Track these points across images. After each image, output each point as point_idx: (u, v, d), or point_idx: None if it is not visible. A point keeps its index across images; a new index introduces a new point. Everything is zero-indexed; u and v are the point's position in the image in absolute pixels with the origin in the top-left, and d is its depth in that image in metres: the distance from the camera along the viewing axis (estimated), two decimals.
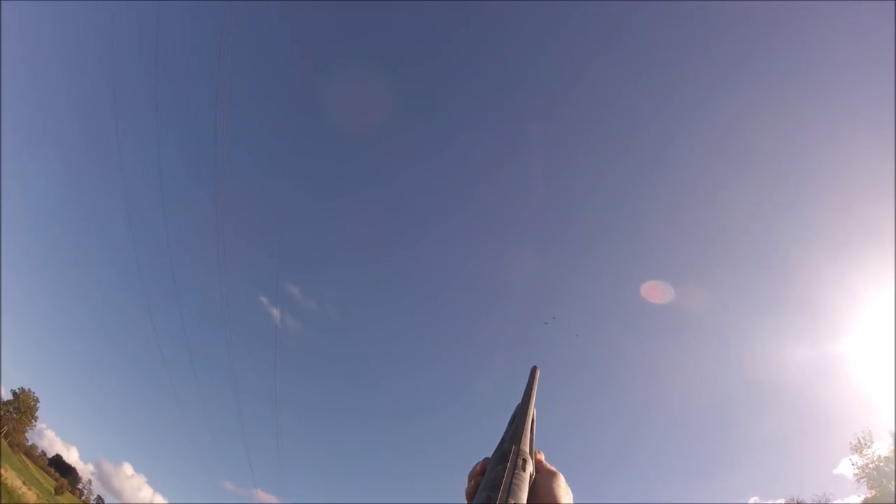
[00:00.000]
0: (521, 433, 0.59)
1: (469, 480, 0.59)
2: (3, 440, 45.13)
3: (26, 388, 51.60)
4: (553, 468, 0.60)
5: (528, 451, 0.57)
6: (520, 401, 0.67)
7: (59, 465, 58.66)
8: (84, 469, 64.03)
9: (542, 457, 0.62)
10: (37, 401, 52.00)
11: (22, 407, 50.14)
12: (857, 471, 23.73)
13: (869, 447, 23.76)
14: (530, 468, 0.54)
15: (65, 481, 53.54)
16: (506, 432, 0.62)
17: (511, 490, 0.48)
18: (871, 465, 23.35)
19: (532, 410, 0.66)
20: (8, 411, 48.93)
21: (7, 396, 50.04)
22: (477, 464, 0.60)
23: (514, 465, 0.52)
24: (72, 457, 63.07)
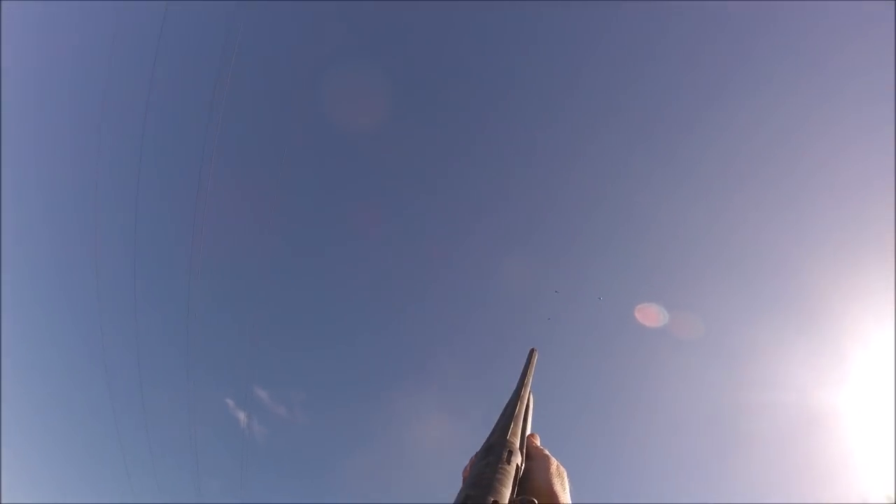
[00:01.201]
0: (509, 423, 0.57)
1: (464, 479, 0.55)
2: None
3: None
4: (546, 452, 0.59)
5: (517, 441, 0.55)
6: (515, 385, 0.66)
7: None
8: None
9: (536, 441, 0.61)
10: None
11: None
12: None
13: None
14: (517, 459, 0.52)
15: None
16: (497, 421, 0.60)
17: (493, 487, 0.45)
18: None
19: (526, 395, 0.65)
20: None
21: None
22: (470, 460, 0.58)
23: (499, 459, 0.50)
24: None
